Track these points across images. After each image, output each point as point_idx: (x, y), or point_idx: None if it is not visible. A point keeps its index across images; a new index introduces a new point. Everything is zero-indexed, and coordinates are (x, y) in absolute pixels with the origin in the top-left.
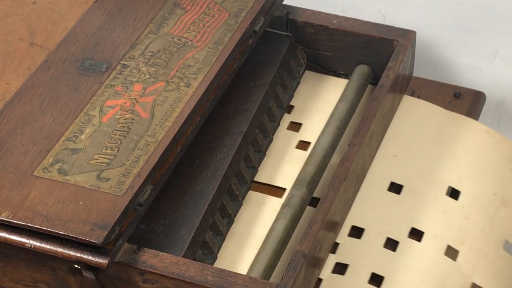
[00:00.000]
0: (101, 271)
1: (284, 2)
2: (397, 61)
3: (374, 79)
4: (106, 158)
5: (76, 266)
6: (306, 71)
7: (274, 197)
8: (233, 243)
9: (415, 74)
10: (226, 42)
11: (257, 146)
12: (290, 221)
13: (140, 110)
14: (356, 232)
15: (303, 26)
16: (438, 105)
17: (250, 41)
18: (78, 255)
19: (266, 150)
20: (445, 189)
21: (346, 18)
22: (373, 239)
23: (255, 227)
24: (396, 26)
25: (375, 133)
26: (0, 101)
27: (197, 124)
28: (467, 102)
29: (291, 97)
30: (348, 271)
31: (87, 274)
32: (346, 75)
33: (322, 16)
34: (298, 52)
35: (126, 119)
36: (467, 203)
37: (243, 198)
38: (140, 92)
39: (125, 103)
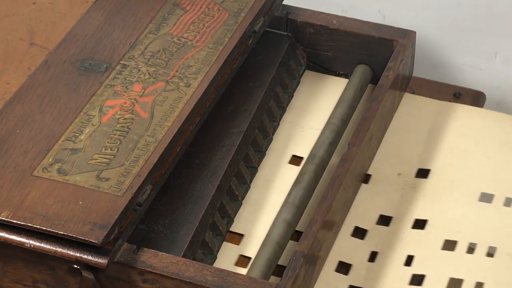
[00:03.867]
0: (100, 271)
1: (284, 2)
2: (397, 61)
3: (374, 79)
4: (106, 158)
5: (75, 266)
6: (306, 71)
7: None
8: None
9: (415, 74)
10: (226, 42)
11: (257, 146)
12: (290, 221)
13: (139, 110)
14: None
15: (303, 26)
16: None
17: (250, 41)
18: (78, 255)
19: (266, 150)
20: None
21: (346, 18)
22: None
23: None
24: (396, 26)
25: (375, 133)
26: (0, 101)
27: (197, 124)
28: (467, 102)
29: (291, 97)
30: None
31: (87, 274)
32: (346, 75)
33: (322, 16)
34: (298, 52)
35: (125, 119)
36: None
37: (243, 198)
38: (140, 92)
39: (125, 103)
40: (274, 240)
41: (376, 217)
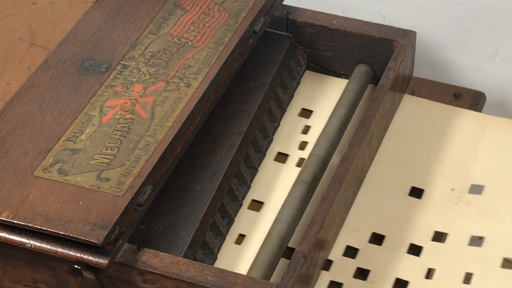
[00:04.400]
0: (101, 271)
1: (284, 2)
2: (397, 61)
3: (374, 79)
4: (106, 158)
5: (76, 266)
6: (306, 71)
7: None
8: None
9: (415, 74)
10: (226, 42)
11: (257, 146)
12: (290, 221)
13: (140, 110)
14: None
15: (303, 26)
16: None
17: (250, 41)
18: (78, 255)
19: (266, 150)
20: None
21: (346, 18)
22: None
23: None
24: (396, 26)
25: (375, 133)
26: (0, 101)
27: (197, 124)
28: (467, 102)
29: (291, 97)
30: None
31: (87, 274)
32: (346, 75)
33: (322, 16)
34: (298, 52)
35: (126, 119)
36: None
37: (243, 198)
38: (140, 92)
39: (125, 103)
40: (274, 240)
41: (431, 234)
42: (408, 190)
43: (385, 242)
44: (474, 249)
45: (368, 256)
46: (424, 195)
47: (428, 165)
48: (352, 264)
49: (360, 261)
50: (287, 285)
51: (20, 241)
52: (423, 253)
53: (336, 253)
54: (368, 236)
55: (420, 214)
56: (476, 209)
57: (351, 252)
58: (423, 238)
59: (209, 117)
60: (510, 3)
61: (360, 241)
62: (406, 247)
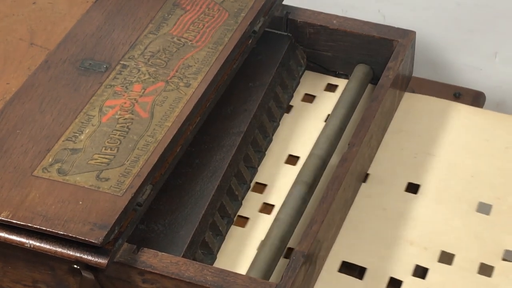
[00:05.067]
0: (100, 271)
1: (284, 2)
2: (397, 61)
3: (374, 79)
4: (106, 158)
5: (75, 266)
6: (306, 71)
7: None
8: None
9: (415, 74)
10: (226, 42)
11: (257, 146)
12: (290, 221)
13: (139, 110)
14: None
15: (303, 26)
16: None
17: (250, 41)
18: (78, 255)
19: (266, 150)
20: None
21: (346, 18)
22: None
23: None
24: (396, 26)
25: (375, 133)
26: (0, 101)
27: (197, 124)
28: (467, 102)
29: (291, 97)
30: None
31: (87, 274)
32: (346, 75)
33: (322, 16)
34: (298, 52)
35: (125, 119)
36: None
37: (243, 198)
38: (140, 92)
39: (125, 103)
40: (274, 240)
41: (501, 252)
42: (475, 206)
43: (455, 261)
44: None
45: (438, 276)
46: (492, 210)
47: (494, 179)
48: (422, 285)
49: (430, 282)
50: (286, 285)
51: (19, 241)
52: (495, 273)
53: (405, 273)
54: (437, 254)
55: (488, 231)
56: None
57: (420, 271)
58: (493, 257)
59: (209, 117)
60: (510, 3)
61: (429, 260)
62: (476, 266)
